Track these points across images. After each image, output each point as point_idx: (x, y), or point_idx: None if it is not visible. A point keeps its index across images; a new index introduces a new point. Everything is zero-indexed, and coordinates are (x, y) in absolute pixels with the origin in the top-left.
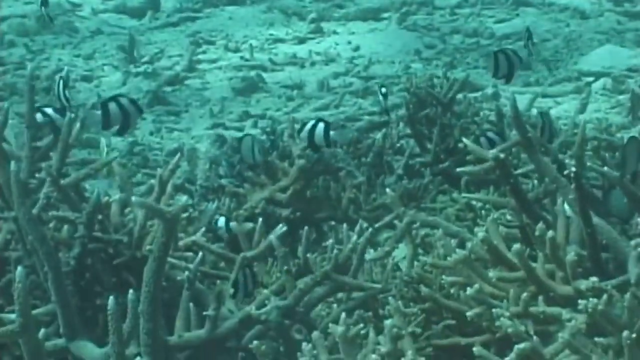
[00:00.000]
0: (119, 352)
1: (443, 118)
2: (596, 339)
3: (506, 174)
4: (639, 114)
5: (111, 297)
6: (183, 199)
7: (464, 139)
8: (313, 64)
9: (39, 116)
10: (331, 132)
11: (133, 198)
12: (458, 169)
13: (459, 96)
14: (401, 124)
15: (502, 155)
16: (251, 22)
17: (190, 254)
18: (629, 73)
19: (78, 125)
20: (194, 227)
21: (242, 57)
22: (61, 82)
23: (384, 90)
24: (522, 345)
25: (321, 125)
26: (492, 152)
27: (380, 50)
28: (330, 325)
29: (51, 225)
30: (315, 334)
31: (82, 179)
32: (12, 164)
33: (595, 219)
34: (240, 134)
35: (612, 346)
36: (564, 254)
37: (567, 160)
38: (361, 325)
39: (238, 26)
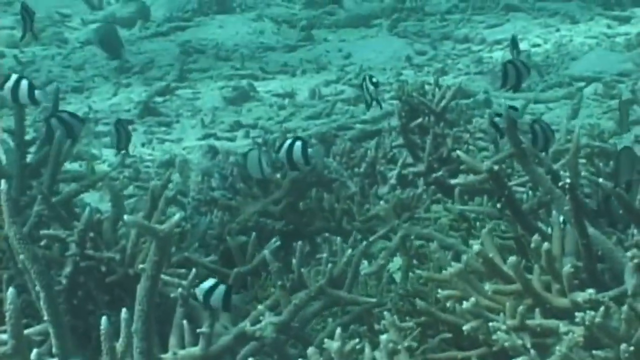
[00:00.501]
0: None
1: (436, 127)
2: (594, 352)
3: (500, 186)
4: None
5: (104, 317)
6: (176, 215)
7: (459, 152)
8: (304, 72)
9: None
10: (309, 150)
11: (125, 217)
12: (452, 181)
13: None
14: (394, 133)
15: (495, 167)
16: (241, 30)
17: (183, 270)
18: (620, 78)
19: (68, 142)
20: (186, 242)
21: (232, 66)
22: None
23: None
24: (520, 359)
25: (298, 143)
26: (485, 164)
27: (371, 57)
28: (325, 340)
29: (42, 243)
30: (311, 349)
31: (73, 195)
32: (2, 182)
33: (591, 230)
34: (230, 144)
35: (609, 359)
36: (560, 266)
37: (561, 172)
38: (357, 340)
39: (228, 35)
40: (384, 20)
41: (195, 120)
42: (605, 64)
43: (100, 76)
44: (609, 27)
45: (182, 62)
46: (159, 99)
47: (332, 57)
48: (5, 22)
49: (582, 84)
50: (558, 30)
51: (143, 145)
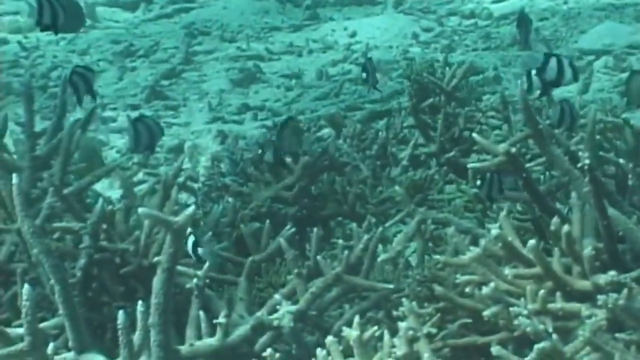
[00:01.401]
0: None
1: (447, 107)
2: (617, 334)
3: (518, 168)
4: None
5: (121, 311)
6: (190, 207)
7: (474, 134)
8: (310, 52)
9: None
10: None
11: (139, 209)
12: (469, 165)
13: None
14: (404, 113)
15: (513, 150)
16: (246, 10)
17: None
18: (630, 50)
19: (79, 132)
20: (199, 231)
21: (238, 47)
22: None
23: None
24: (542, 345)
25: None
26: (502, 146)
27: (377, 35)
28: (344, 328)
29: (55, 236)
30: (330, 338)
31: (85, 187)
32: (14, 176)
33: (610, 210)
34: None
35: (634, 342)
36: (581, 248)
37: (580, 153)
38: (375, 327)
39: (233, 15)
40: None
41: (202, 104)
42: (614, 36)
43: (105, 60)
44: None
45: (187, 44)
46: (165, 83)
47: (338, 36)
48: (8, 7)
49: (592, 57)
50: (566, 2)
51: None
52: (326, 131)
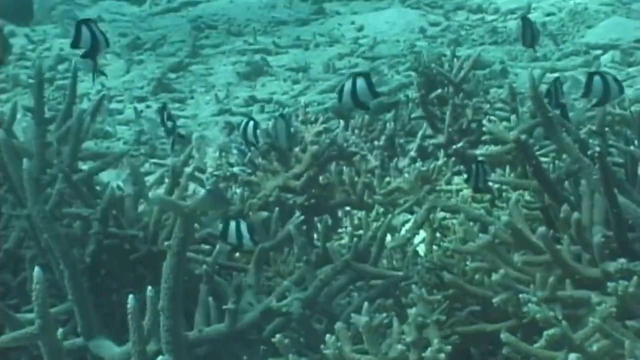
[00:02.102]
0: (140, 351)
1: (455, 98)
2: (627, 322)
3: (528, 156)
4: None
5: (131, 296)
6: (200, 192)
7: (485, 122)
8: (317, 45)
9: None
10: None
11: (150, 194)
12: (477, 152)
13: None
14: (411, 105)
15: (523, 137)
16: (253, 5)
17: (207, 246)
18: (637, 44)
19: (89, 118)
20: (209, 218)
21: (245, 41)
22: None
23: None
24: (551, 331)
25: (251, 123)
26: (512, 134)
27: (384, 29)
28: (353, 315)
29: (64, 222)
30: (339, 324)
31: (94, 173)
32: (25, 161)
33: (620, 199)
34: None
35: None
36: (590, 236)
37: (590, 140)
38: (384, 314)
39: (240, 10)
40: None
41: (209, 96)
42: (621, 31)
43: (112, 53)
44: None
45: (194, 37)
46: (172, 75)
47: (345, 30)
48: None
49: (599, 52)
50: None
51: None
52: (334, 122)
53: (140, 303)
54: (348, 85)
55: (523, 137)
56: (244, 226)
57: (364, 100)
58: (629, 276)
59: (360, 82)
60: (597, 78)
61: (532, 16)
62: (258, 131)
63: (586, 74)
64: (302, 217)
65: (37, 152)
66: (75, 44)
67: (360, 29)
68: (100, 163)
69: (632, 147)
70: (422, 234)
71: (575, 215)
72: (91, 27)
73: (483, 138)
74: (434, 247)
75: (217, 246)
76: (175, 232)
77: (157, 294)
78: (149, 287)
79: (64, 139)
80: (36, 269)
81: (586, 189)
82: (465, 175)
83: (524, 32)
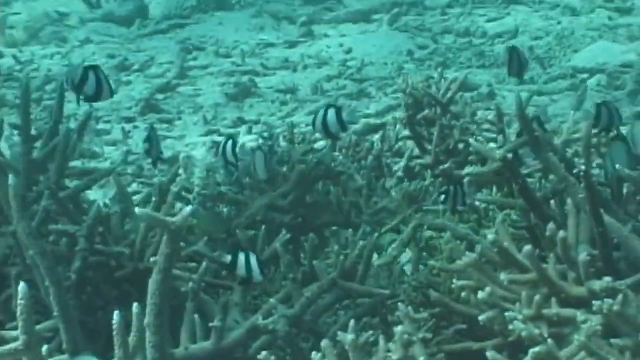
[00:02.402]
0: None
1: (442, 118)
2: (612, 340)
3: (514, 174)
4: None
5: (116, 312)
6: (187, 207)
7: (471, 140)
8: (305, 67)
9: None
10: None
11: (136, 209)
12: (464, 171)
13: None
14: (398, 126)
15: (509, 155)
16: (241, 27)
17: (193, 264)
18: (623, 69)
19: (75, 136)
20: (195, 236)
21: (233, 63)
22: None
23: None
24: (537, 349)
25: (230, 142)
26: (499, 152)
27: (372, 52)
28: (339, 333)
29: (50, 238)
30: (325, 342)
31: (81, 190)
32: (10, 177)
33: (606, 218)
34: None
35: (628, 347)
36: (576, 254)
37: (575, 159)
38: (370, 332)
39: (228, 31)
40: (384, 14)
41: (197, 117)
42: (608, 55)
43: None
44: (610, 18)
45: (182, 59)
46: (160, 96)
47: (333, 52)
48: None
49: (586, 75)
50: (559, 22)
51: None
52: (321, 143)
53: (126, 320)
54: (319, 115)
55: (509, 155)
56: (253, 259)
57: (334, 131)
58: (614, 295)
59: (331, 113)
60: (604, 108)
61: (519, 40)
62: (237, 150)
63: (594, 104)
64: (289, 235)
65: (23, 169)
66: (78, 89)
67: (349, 51)
68: (86, 180)
69: (617, 166)
70: (409, 253)
71: (561, 233)
72: (98, 74)
73: (470, 158)
74: (420, 266)
75: (204, 263)
76: (162, 248)
77: (143, 310)
78: (135, 304)
79: (51, 157)
80: (21, 284)
81: (572, 207)
82: (442, 197)
83: (511, 62)
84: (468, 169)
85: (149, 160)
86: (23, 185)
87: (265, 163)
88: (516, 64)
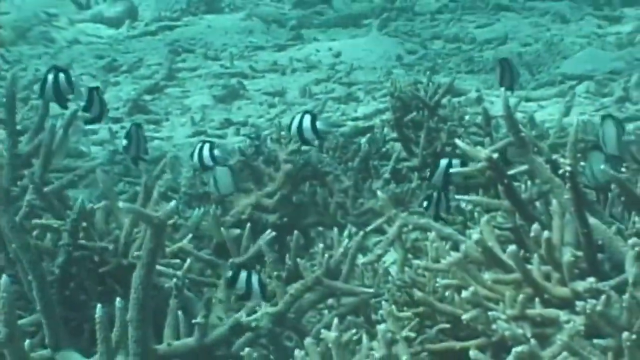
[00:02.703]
0: None
1: (430, 121)
2: (595, 340)
3: (500, 175)
4: None
5: (99, 305)
6: (171, 203)
7: (457, 140)
8: (294, 70)
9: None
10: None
11: (120, 204)
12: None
13: (444, 100)
14: (386, 129)
15: (495, 155)
16: (230, 30)
17: (177, 260)
18: (611, 76)
19: (61, 132)
20: (180, 234)
21: (222, 65)
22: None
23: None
24: (519, 348)
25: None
26: (484, 152)
27: (361, 56)
28: (322, 331)
29: (34, 233)
30: (308, 340)
31: (65, 186)
32: None
33: (591, 219)
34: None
35: (611, 348)
36: (560, 255)
37: (561, 160)
38: (354, 330)
39: (217, 34)
40: (374, 20)
41: (184, 118)
42: (596, 62)
43: (88, 74)
44: (599, 26)
45: (170, 61)
46: (147, 97)
47: (322, 56)
48: None
49: (574, 82)
50: (549, 29)
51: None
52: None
53: (109, 317)
54: (296, 120)
55: (495, 155)
56: (255, 278)
57: (308, 138)
58: (597, 296)
59: (306, 120)
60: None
61: (509, 47)
62: (216, 152)
63: (601, 117)
64: (274, 234)
65: (8, 164)
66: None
67: (338, 55)
68: (71, 176)
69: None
70: (394, 254)
71: (546, 233)
72: (101, 96)
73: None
74: (406, 268)
75: (188, 260)
76: (146, 243)
77: (126, 305)
78: (118, 299)
79: (36, 152)
80: (4, 277)
81: (557, 208)
82: (425, 203)
83: (502, 73)
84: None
85: (128, 156)
86: (7, 179)
87: (232, 177)
88: (508, 75)
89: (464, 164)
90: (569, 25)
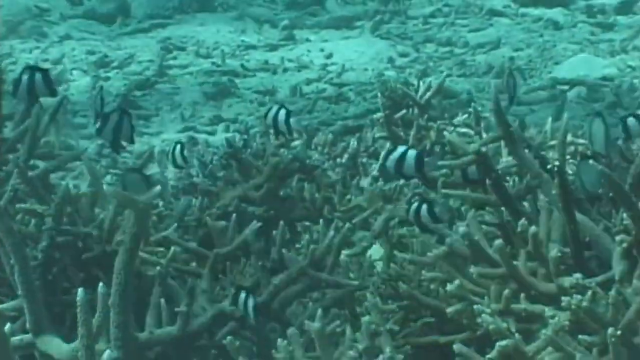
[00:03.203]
0: (87, 346)
1: (419, 119)
2: (580, 336)
3: (487, 168)
4: None
5: (80, 289)
6: (155, 188)
7: (446, 133)
8: (285, 70)
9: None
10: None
11: (104, 187)
12: (438, 162)
13: (434, 102)
14: (375, 128)
15: (483, 149)
16: (223, 29)
17: (161, 249)
18: (603, 82)
19: (46, 117)
20: (165, 224)
21: (213, 63)
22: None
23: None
24: (503, 342)
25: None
26: (473, 146)
27: (353, 57)
28: (306, 322)
29: (18, 218)
30: (291, 330)
31: (50, 171)
32: None
33: (579, 216)
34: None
35: (596, 344)
36: (547, 251)
37: (550, 155)
38: (338, 322)
39: (209, 33)
40: (367, 21)
41: (174, 115)
42: (588, 68)
43: (79, 69)
44: (592, 33)
45: (161, 57)
46: (138, 93)
47: (314, 56)
48: None
49: (566, 87)
50: (541, 35)
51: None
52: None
53: (92, 304)
54: (272, 111)
55: (483, 149)
56: (251, 301)
57: (280, 129)
58: (583, 292)
59: (282, 114)
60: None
61: (501, 51)
62: (186, 152)
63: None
64: (260, 224)
65: None
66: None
67: (330, 56)
68: (56, 161)
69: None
70: (379, 249)
71: (533, 229)
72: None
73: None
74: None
75: (172, 249)
76: (129, 228)
77: (109, 291)
78: (101, 284)
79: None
80: None
81: (544, 204)
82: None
83: (508, 83)
84: (442, 161)
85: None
86: None
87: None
88: (512, 86)
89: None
90: (562, 32)
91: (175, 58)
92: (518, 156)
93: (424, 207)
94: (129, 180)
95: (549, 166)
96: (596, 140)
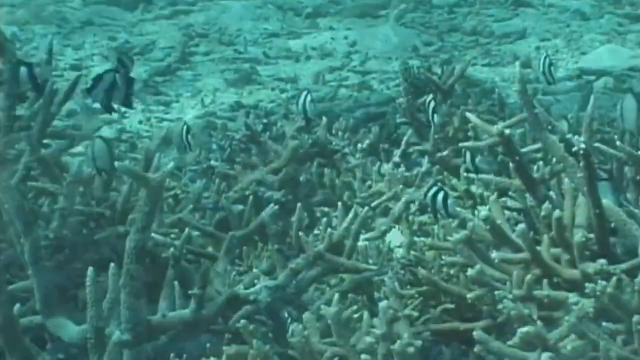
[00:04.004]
0: (97, 327)
1: (443, 105)
2: (604, 324)
3: (511, 151)
4: None
5: (90, 268)
6: (169, 165)
7: (468, 114)
8: (308, 58)
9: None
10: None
11: (117, 164)
12: (461, 144)
13: (458, 90)
14: (397, 114)
15: (507, 131)
16: (245, 16)
17: (175, 230)
18: (630, 72)
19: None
20: (181, 207)
21: (235, 50)
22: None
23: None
24: (525, 329)
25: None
26: (496, 127)
27: (377, 46)
28: (322, 306)
29: (30, 196)
30: (307, 314)
31: (63, 150)
32: None
33: (604, 201)
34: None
35: (620, 332)
36: (571, 236)
37: (575, 137)
38: (355, 307)
39: (232, 20)
40: (391, 10)
41: (195, 101)
42: (615, 59)
43: (99, 55)
44: (620, 24)
45: (183, 44)
46: (159, 79)
47: (337, 44)
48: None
49: (592, 77)
50: (568, 26)
51: (140, 122)
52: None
53: (103, 286)
54: (302, 98)
55: (507, 131)
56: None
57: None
58: (608, 278)
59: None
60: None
61: (527, 41)
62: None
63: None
64: (277, 207)
65: (5, 125)
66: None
67: (353, 44)
68: (69, 140)
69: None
70: (398, 234)
71: (557, 213)
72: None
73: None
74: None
75: (186, 230)
76: (141, 206)
77: (120, 272)
78: (112, 264)
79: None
80: None
81: (569, 188)
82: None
83: (544, 69)
84: (465, 143)
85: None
86: (4, 141)
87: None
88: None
89: None
90: (589, 22)
91: (197, 45)
92: (543, 139)
93: (441, 194)
94: (97, 148)
95: (574, 148)
96: (627, 117)
